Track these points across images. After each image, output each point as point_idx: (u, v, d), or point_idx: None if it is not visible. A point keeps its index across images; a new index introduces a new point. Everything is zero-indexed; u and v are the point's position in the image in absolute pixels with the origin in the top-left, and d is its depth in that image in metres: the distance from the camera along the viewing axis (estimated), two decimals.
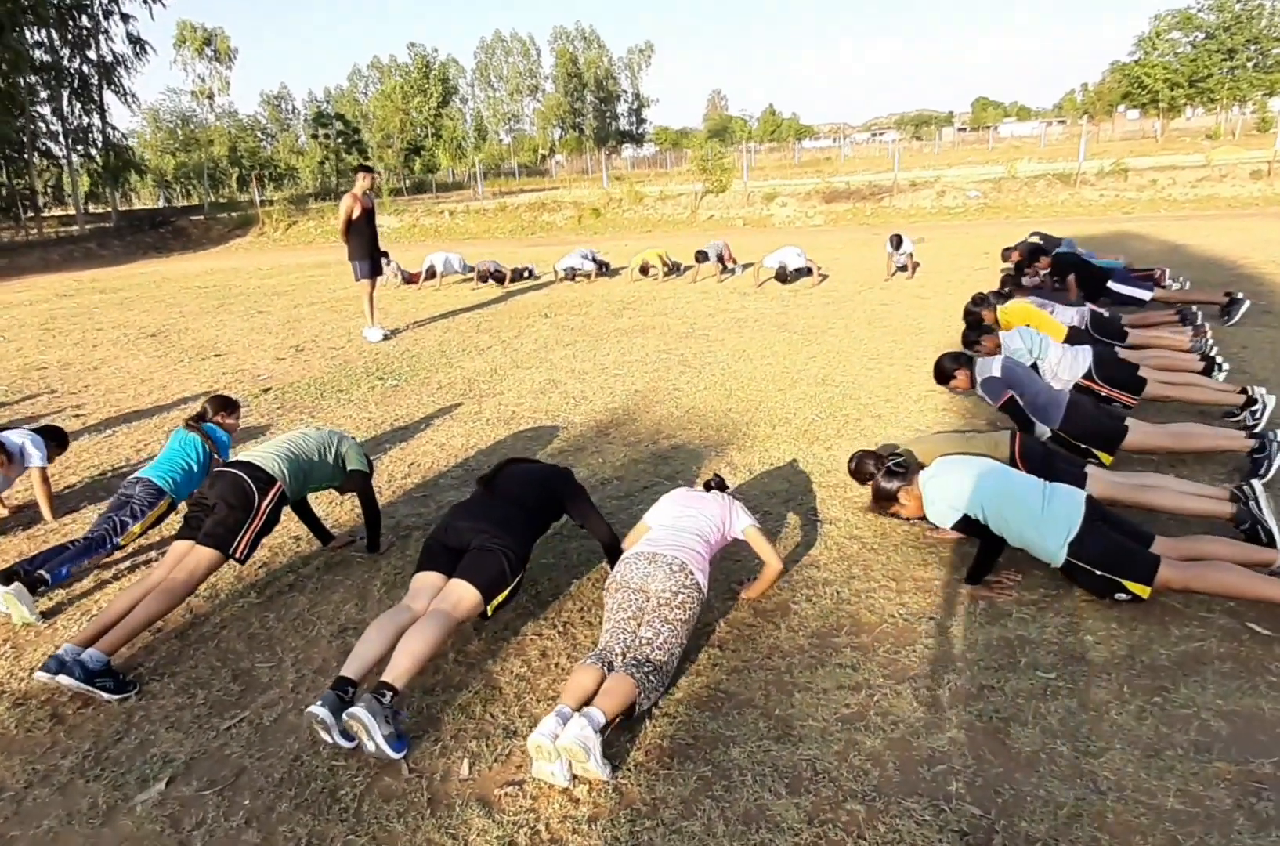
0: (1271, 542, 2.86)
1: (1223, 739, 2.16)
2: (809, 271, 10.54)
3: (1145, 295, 6.79)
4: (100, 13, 23.82)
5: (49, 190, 25.39)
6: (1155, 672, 2.44)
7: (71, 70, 23.93)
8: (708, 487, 3.04)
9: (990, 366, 3.97)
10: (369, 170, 8.14)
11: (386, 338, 8.49)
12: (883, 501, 3.14)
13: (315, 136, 55.45)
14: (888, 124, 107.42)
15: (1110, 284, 6.86)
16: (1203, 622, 2.66)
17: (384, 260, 12.24)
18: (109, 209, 26.29)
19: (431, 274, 12.06)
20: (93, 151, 25.21)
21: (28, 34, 21.69)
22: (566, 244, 17.72)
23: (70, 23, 23.33)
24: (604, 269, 12.19)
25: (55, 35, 22.87)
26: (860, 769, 2.15)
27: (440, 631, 2.44)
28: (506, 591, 2.69)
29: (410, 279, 12.58)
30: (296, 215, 25.40)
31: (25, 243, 23.36)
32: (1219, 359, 4.97)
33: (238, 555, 3.00)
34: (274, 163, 55.52)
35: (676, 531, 2.78)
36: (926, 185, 18.37)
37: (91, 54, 24.17)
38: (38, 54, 22.36)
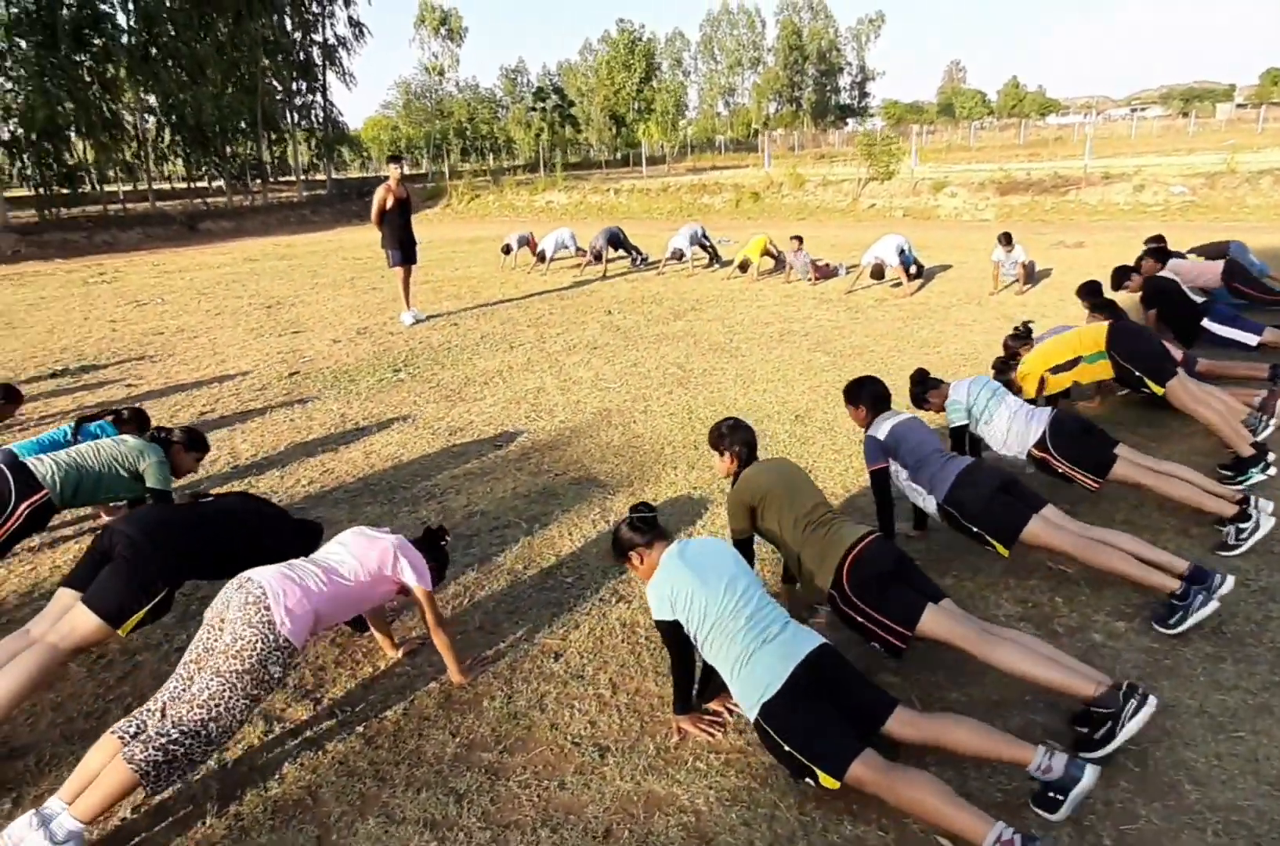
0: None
1: None
2: (918, 269, 9.62)
3: (1250, 339, 5.44)
4: None
5: (275, 161, 28.41)
6: None
7: (298, 52, 26.51)
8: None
9: (880, 426, 3.32)
10: (398, 161, 8.30)
11: (419, 321, 8.73)
12: (618, 554, 2.67)
13: (533, 109, 57.95)
14: (1152, 98, 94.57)
15: (1206, 323, 5.56)
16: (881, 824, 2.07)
17: (514, 244, 12.48)
18: (325, 177, 28.94)
19: (542, 258, 12.15)
20: (314, 126, 27.93)
21: (265, 20, 24.30)
22: (717, 229, 17.30)
23: (302, 8, 25.80)
24: (714, 258, 11.71)
25: (288, 21, 25.41)
26: None
27: (36, 668, 2.31)
28: (142, 612, 2.46)
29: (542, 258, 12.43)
30: (479, 189, 26.68)
31: (251, 208, 26.33)
32: (1270, 456, 3.87)
33: None
34: (493, 135, 58.54)
35: (308, 562, 2.47)
36: (1123, 177, 15.93)
37: (317, 37, 26.67)
38: (271, 38, 24.98)
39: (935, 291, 9.33)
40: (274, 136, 26.92)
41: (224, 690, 2.09)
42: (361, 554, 2.53)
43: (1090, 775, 2.00)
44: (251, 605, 2.19)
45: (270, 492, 4.47)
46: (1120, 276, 6.01)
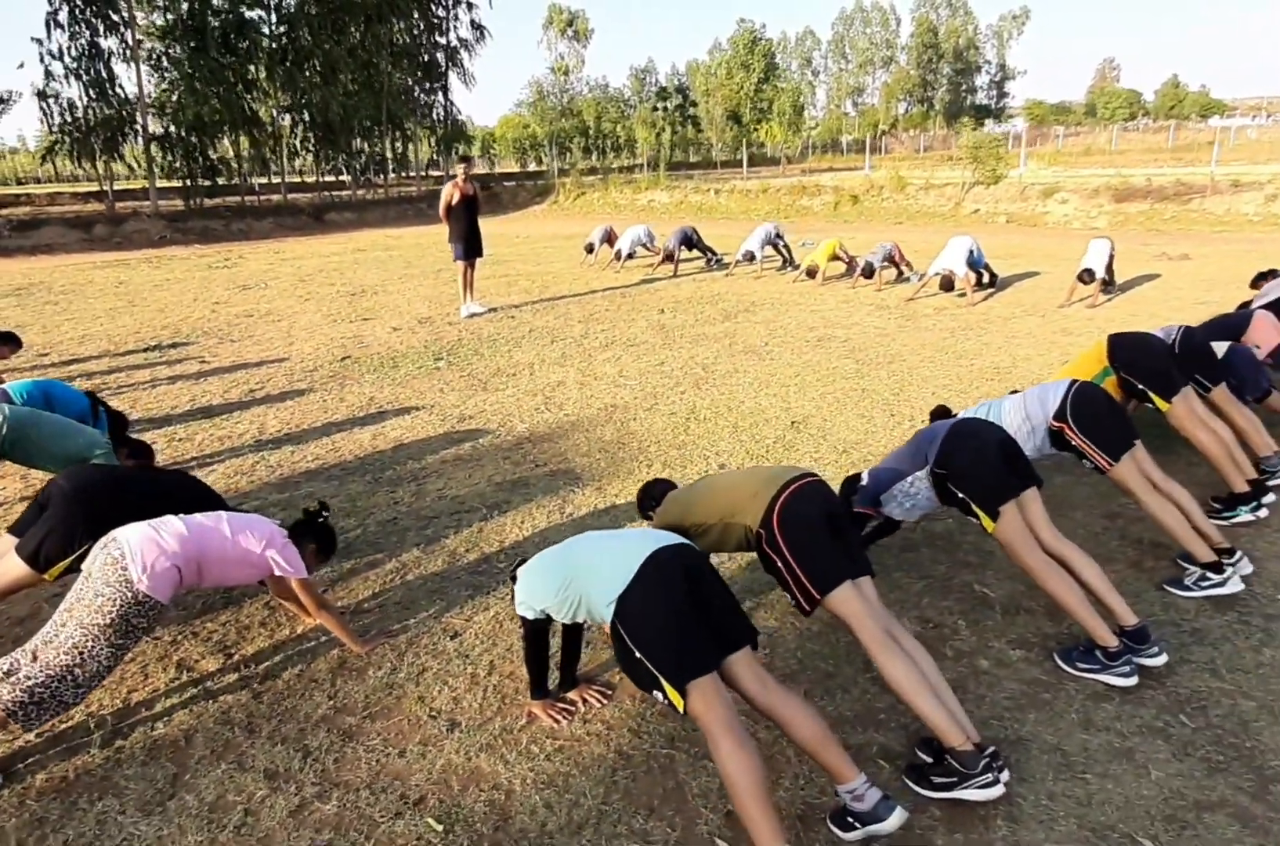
0: None
1: None
2: (992, 278, 9.31)
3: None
4: (451, 3, 27.31)
5: (397, 157, 29.89)
6: None
7: (423, 54, 27.81)
8: None
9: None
10: (468, 160, 8.63)
11: (474, 315, 9.04)
12: None
13: (655, 109, 58.47)
14: None
15: None
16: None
17: (596, 242, 12.71)
18: (443, 173, 30.22)
19: (619, 255, 12.33)
20: (435, 124, 29.24)
21: (394, 24, 25.66)
22: (810, 231, 17.07)
23: (429, 13, 27.06)
24: (788, 261, 11.58)
25: (412, 25, 26.71)
26: None
27: None
28: (68, 561, 2.63)
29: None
30: (585, 187, 27.21)
31: (373, 201, 27.82)
32: (1269, 497, 3.55)
33: None
34: (615, 134, 59.42)
35: (181, 520, 2.58)
36: (1254, 186, 14.62)
37: (440, 39, 27.89)
38: (399, 40, 26.34)
39: (1003, 301, 8.92)
40: (397, 134, 28.35)
41: (87, 640, 2.30)
42: (236, 531, 2.63)
43: (895, 820, 1.95)
44: (110, 565, 2.37)
45: (277, 465, 4.82)
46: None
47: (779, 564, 2.30)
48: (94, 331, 9.05)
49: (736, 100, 47.86)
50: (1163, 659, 2.56)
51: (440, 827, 2.10)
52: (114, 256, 17.91)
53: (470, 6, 28.14)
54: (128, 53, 21.05)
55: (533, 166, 57.52)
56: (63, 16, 19.99)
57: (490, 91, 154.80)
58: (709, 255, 12.27)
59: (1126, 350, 3.74)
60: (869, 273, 9.67)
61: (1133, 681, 2.49)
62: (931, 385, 5.86)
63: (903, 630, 2.33)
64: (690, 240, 11.91)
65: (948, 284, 8.89)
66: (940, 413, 3.53)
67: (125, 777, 2.33)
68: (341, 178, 28.30)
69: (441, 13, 27.56)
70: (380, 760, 2.37)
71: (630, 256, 12.26)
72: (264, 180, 26.97)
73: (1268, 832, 1.98)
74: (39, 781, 2.33)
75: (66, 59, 20.39)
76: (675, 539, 2.21)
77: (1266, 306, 4.74)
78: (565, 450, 4.91)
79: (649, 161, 51.75)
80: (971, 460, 2.69)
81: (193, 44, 21.40)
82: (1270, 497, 3.55)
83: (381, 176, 28.77)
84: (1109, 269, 8.38)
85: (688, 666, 1.95)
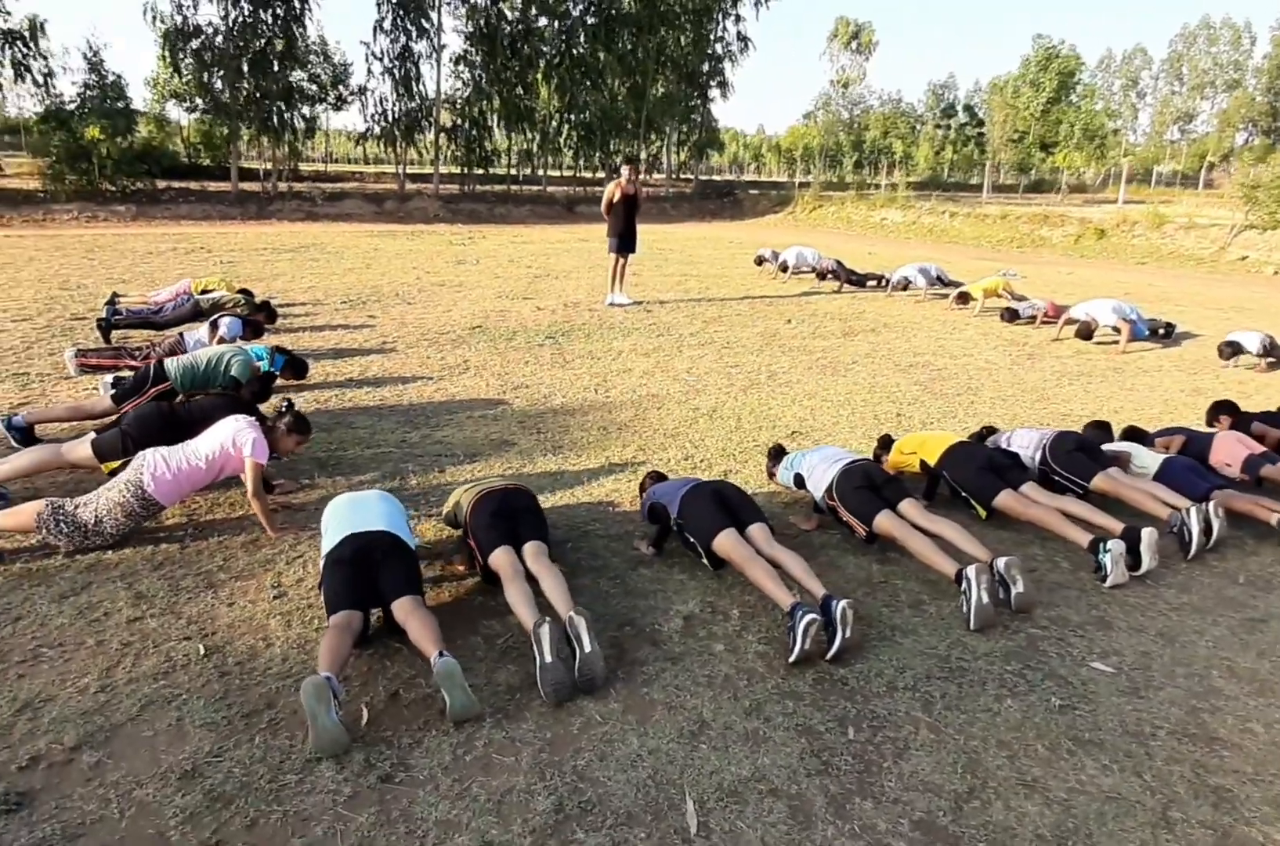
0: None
1: None
2: (1168, 330, 8.46)
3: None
4: (720, 15, 28.30)
5: (651, 159, 31.57)
6: None
7: (687, 63, 29.09)
8: None
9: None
10: (632, 162, 9.19)
11: (617, 304, 9.64)
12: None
13: (938, 126, 56.12)
14: None
15: None
16: None
17: (768, 256, 13.06)
18: (692, 177, 31.47)
19: (784, 268, 12.51)
20: (690, 130, 30.53)
21: (663, 34, 27.21)
22: (1037, 263, 16.04)
23: (702, 25, 28.29)
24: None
25: (680, 35, 28.06)
26: None
27: (41, 459, 3.80)
28: (117, 463, 3.77)
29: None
30: (822, 201, 27.07)
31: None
32: (1109, 543, 3.39)
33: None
34: (891, 150, 57.88)
35: (184, 447, 3.62)
36: None
37: (708, 50, 29.00)
38: (666, 50, 27.83)
39: (1168, 355, 8.03)
40: (653, 137, 30.00)
41: (108, 510, 3.38)
42: (220, 432, 3.62)
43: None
44: (134, 470, 3.47)
45: (348, 400, 5.77)
46: None
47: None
48: (320, 284, 10.90)
49: (1019, 121, 44.56)
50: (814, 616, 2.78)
51: (202, 652, 2.74)
52: (392, 228, 20.95)
53: (739, 18, 29.08)
54: (433, 56, 24.44)
55: (800, 177, 57.68)
56: (387, 23, 23.65)
57: (785, 100, 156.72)
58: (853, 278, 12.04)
59: (957, 465, 3.97)
60: (1085, 334, 8.43)
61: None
62: (976, 421, 5.59)
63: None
64: (840, 267, 11.83)
65: (1085, 332, 8.19)
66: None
67: (64, 578, 3.22)
68: (598, 174, 30.50)
69: (710, 24, 28.73)
70: (211, 603, 3.07)
71: (794, 270, 12.40)
72: (528, 171, 29.80)
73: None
74: (15, 568, 3.29)
75: (386, 60, 24.10)
76: (373, 525, 2.94)
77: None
78: (572, 424, 5.40)
79: (925, 179, 49.95)
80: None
81: (485, 49, 24.27)
82: (1115, 544, 3.39)
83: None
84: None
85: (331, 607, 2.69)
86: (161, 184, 22.74)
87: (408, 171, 27.82)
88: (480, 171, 27.48)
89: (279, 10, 22.10)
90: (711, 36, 28.96)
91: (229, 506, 3.95)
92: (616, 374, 6.72)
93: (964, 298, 9.89)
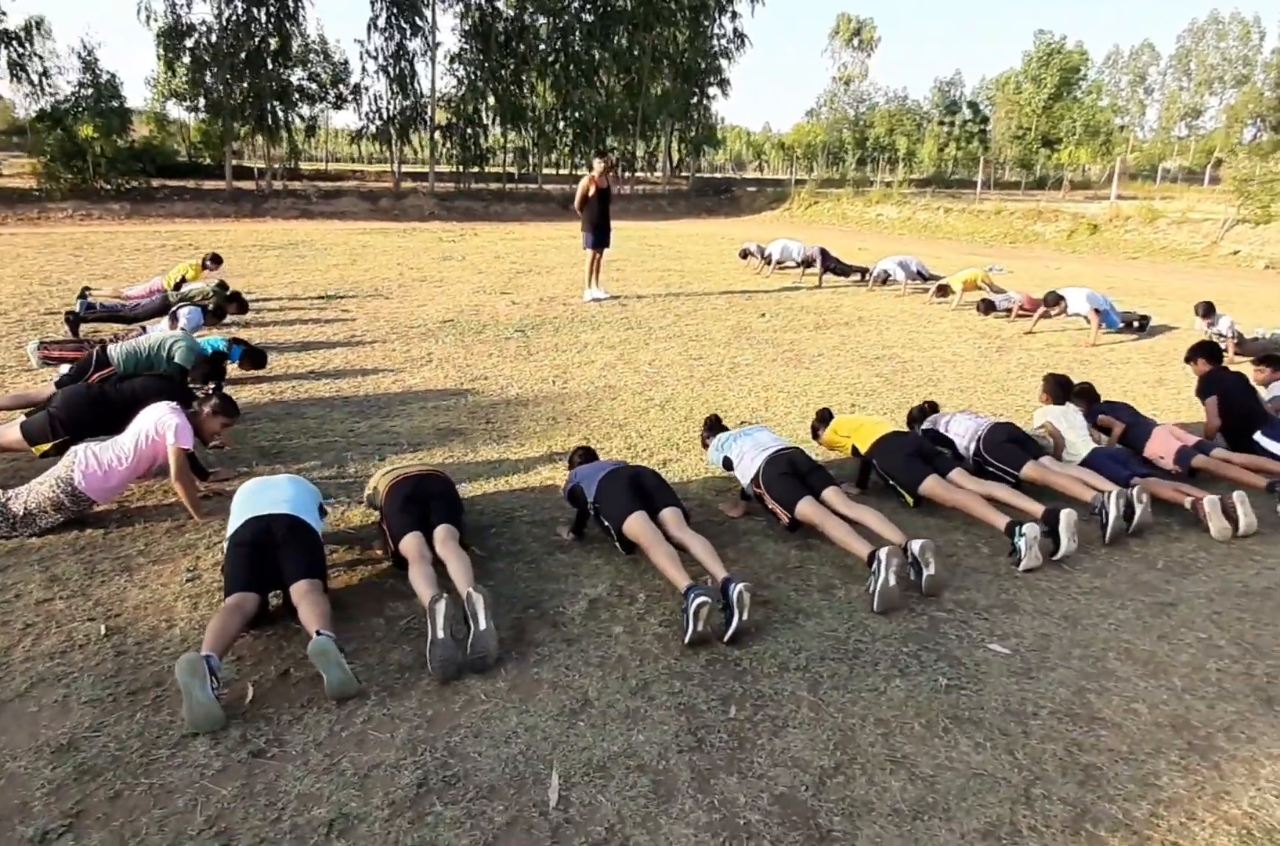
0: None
1: None
2: (1142, 323, 8.49)
3: None
4: (715, 12, 28.26)
5: (647, 156, 31.57)
6: None
7: (683, 60, 29.04)
8: None
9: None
10: (604, 156, 9.18)
11: (595, 299, 9.64)
12: None
13: (941, 123, 55.84)
14: None
15: (1259, 436, 4.38)
16: None
17: (753, 250, 13.04)
18: (689, 174, 31.46)
19: (768, 261, 12.49)
20: (686, 128, 30.54)
21: (659, 31, 27.17)
22: (1027, 258, 15.99)
23: (698, 22, 28.24)
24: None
25: (676, 32, 28.03)
26: None
27: None
28: (48, 445, 3.87)
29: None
30: (818, 197, 27.00)
31: (618, 195, 29.65)
32: (1024, 527, 3.39)
33: None
34: (894, 146, 57.54)
35: (113, 443, 3.64)
36: None
37: (705, 47, 28.94)
38: (662, 47, 27.81)
39: (1140, 347, 8.01)
40: (649, 134, 29.99)
41: (38, 504, 3.45)
42: (142, 422, 3.65)
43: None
44: (65, 467, 3.50)
45: (304, 391, 5.80)
46: None
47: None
48: (301, 279, 10.93)
49: (1021, 117, 44.32)
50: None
51: (103, 633, 2.77)
52: (385, 225, 20.98)
53: (735, 15, 29.03)
54: (428, 53, 24.51)
55: (802, 174, 57.46)
56: (381, 21, 23.72)
57: (791, 98, 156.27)
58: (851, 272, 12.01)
59: (886, 455, 4.02)
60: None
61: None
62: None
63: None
64: (825, 255, 11.80)
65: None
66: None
67: None
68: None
69: (705, 21, 28.70)
70: (124, 586, 3.10)
71: (778, 264, 12.38)
72: (525, 169, 29.83)
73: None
74: None
75: (381, 58, 24.17)
76: (277, 508, 2.99)
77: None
78: (523, 415, 5.42)
79: (928, 176, 49.69)
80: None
81: (480, 47, 24.32)
82: (1031, 528, 3.41)
83: (629, 174, 30.59)
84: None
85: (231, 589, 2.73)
86: (156, 182, 22.85)
87: (404, 170, 27.89)
88: (476, 169, 27.53)
89: (272, 8, 22.16)
90: (708, 33, 28.94)
91: (161, 493, 3.98)
92: (578, 366, 6.73)
93: (944, 290, 9.87)
